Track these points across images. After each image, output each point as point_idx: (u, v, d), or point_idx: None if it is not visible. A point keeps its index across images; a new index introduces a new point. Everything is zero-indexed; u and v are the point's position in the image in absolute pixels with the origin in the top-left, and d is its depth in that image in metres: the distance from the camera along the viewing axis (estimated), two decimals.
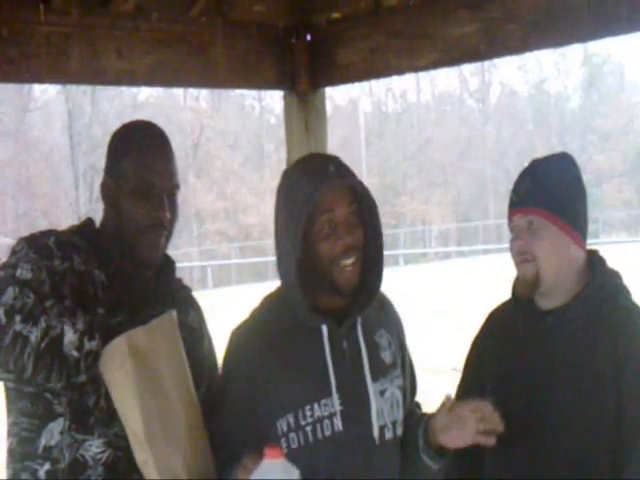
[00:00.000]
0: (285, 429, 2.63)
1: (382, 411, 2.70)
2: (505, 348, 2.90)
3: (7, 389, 2.67)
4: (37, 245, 2.64)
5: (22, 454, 2.66)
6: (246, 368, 2.67)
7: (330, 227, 2.61)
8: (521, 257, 2.79)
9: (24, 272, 2.54)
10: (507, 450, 2.76)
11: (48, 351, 2.44)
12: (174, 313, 2.66)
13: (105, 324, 2.55)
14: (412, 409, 2.88)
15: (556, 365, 2.76)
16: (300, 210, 2.58)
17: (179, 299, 2.86)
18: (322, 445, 2.62)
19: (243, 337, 2.73)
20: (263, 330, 2.71)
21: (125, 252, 2.71)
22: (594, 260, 2.86)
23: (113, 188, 2.74)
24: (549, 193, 2.78)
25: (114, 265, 2.71)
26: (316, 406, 2.62)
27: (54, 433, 2.61)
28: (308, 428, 2.62)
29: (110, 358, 2.51)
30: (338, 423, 2.63)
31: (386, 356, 2.76)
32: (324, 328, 2.64)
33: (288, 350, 2.66)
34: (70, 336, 2.47)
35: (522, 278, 2.80)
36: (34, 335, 2.43)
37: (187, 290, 2.95)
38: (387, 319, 2.84)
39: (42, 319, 2.46)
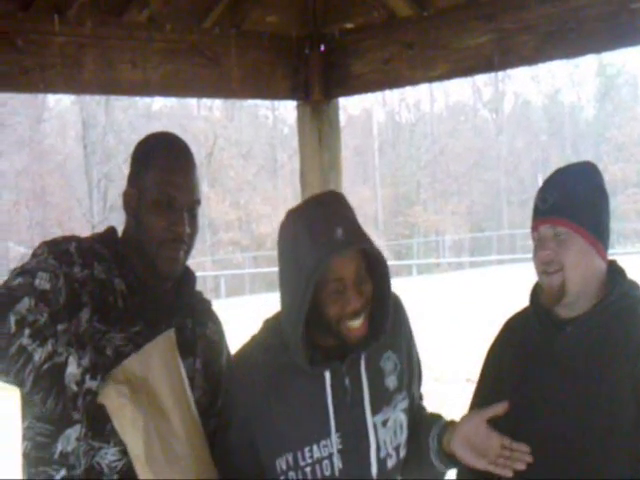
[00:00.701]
0: (284, 468, 2.61)
1: (384, 442, 2.67)
2: (522, 357, 2.88)
3: (22, 395, 2.67)
4: (58, 251, 2.64)
5: (37, 458, 2.66)
6: (247, 405, 2.64)
7: (338, 292, 2.55)
8: (547, 267, 2.77)
9: (42, 282, 2.53)
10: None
11: (48, 375, 2.44)
12: (172, 333, 2.63)
13: (109, 366, 2.53)
14: (420, 407, 2.86)
15: (574, 374, 2.75)
16: (308, 277, 2.50)
17: (198, 312, 2.86)
18: None
19: (244, 371, 2.70)
20: (264, 366, 2.66)
21: (146, 263, 2.71)
22: (614, 270, 2.85)
23: (135, 199, 2.74)
24: (576, 204, 2.77)
25: (134, 275, 2.71)
26: (315, 447, 2.60)
27: (71, 439, 2.61)
28: (307, 469, 2.60)
29: (108, 390, 2.51)
30: (337, 463, 2.61)
31: (391, 381, 2.72)
32: (327, 374, 2.61)
33: (289, 389, 2.62)
34: (73, 369, 2.46)
35: (548, 288, 2.78)
36: (38, 355, 2.42)
37: (207, 303, 2.95)
38: (394, 335, 2.76)
39: (50, 342, 2.45)
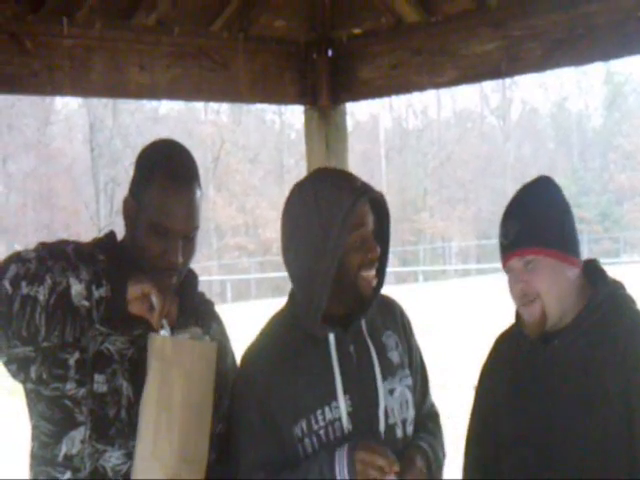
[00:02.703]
0: (300, 435, 2.69)
1: (392, 410, 2.75)
2: (514, 373, 2.88)
3: (27, 392, 2.68)
4: (53, 248, 2.65)
5: (42, 459, 2.67)
6: (260, 383, 2.72)
7: (361, 241, 2.69)
8: (524, 299, 2.77)
9: (29, 253, 2.58)
10: (522, 473, 2.77)
11: (58, 306, 2.47)
12: (215, 345, 2.66)
13: (111, 270, 2.55)
14: (419, 431, 2.87)
15: (564, 386, 2.75)
16: (341, 224, 2.64)
17: (201, 313, 2.86)
18: (334, 446, 2.66)
19: (254, 355, 2.79)
20: (273, 345, 2.78)
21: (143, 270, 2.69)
22: (592, 271, 2.84)
23: (134, 211, 2.72)
24: (539, 229, 2.75)
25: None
26: (327, 409, 2.69)
27: (75, 441, 2.61)
28: (321, 432, 2.68)
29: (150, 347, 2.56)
30: (347, 425, 2.68)
31: (394, 356, 2.82)
32: (331, 337, 2.72)
33: (298, 360, 2.72)
34: (77, 287, 2.49)
35: (530, 319, 2.78)
36: (41, 294, 2.46)
37: (210, 304, 2.95)
38: (394, 320, 2.90)
39: (47, 277, 2.48)
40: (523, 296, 2.77)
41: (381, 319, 2.86)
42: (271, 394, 2.70)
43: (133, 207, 2.72)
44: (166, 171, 2.68)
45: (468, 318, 21.17)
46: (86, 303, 2.49)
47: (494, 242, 46.64)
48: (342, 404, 2.69)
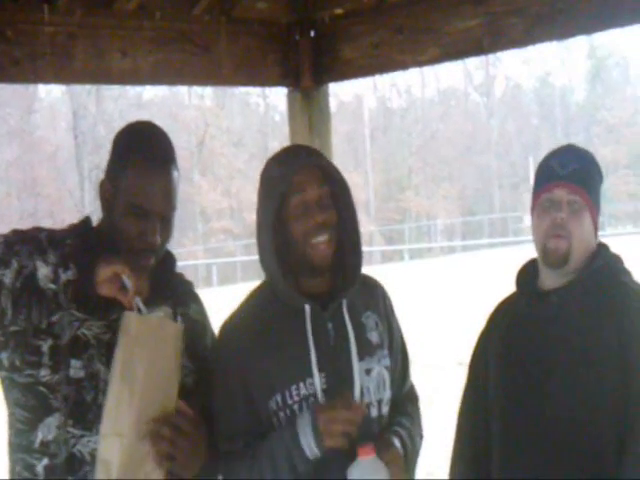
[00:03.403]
0: (275, 408, 2.70)
1: (368, 389, 2.75)
2: (508, 333, 2.93)
3: (1, 379, 2.67)
4: (25, 234, 2.64)
5: (19, 446, 2.66)
6: (237, 357, 2.73)
7: (303, 207, 2.72)
8: (558, 230, 2.81)
9: None
10: (514, 429, 2.83)
11: (24, 289, 2.48)
12: (181, 327, 2.66)
13: (78, 253, 2.55)
14: (397, 413, 2.87)
15: (561, 342, 2.79)
16: (274, 191, 2.73)
17: (180, 293, 2.85)
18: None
19: (233, 327, 2.81)
20: (250, 319, 2.79)
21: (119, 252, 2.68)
22: (599, 245, 2.92)
23: (110, 193, 2.71)
24: (592, 182, 2.86)
25: None
26: (302, 385, 2.69)
27: (51, 428, 2.61)
28: (295, 407, 2.69)
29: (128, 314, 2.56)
30: (322, 401, 2.68)
31: (373, 336, 2.82)
32: (307, 308, 2.73)
33: (274, 334, 2.73)
34: (43, 270, 2.50)
35: (555, 250, 2.81)
36: (7, 277, 2.48)
37: (188, 285, 2.94)
38: (375, 301, 2.90)
39: (13, 261, 2.50)
40: (558, 227, 2.80)
41: (362, 299, 2.85)
42: (248, 367, 2.71)
43: (110, 190, 2.71)
44: (143, 153, 2.68)
45: (454, 295, 21.22)
46: (53, 286, 2.50)
47: (478, 218, 47.02)
48: (317, 380, 2.69)
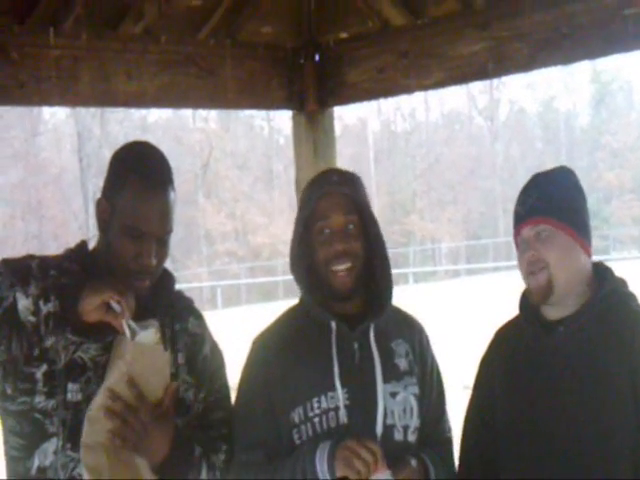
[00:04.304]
0: (297, 421, 2.74)
1: (392, 412, 2.78)
2: (514, 364, 2.90)
3: None
4: (15, 264, 2.63)
5: (15, 473, 2.65)
6: (261, 369, 2.81)
7: (325, 234, 2.78)
8: (533, 266, 2.79)
9: None
10: (522, 464, 2.79)
11: (4, 321, 2.48)
12: (167, 355, 2.65)
13: (59, 285, 2.54)
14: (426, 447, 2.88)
15: (570, 373, 2.76)
16: (301, 214, 2.84)
17: (178, 309, 2.84)
18: (328, 436, 2.70)
19: (259, 342, 2.88)
20: (279, 333, 2.87)
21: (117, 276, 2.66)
22: (601, 269, 2.88)
23: (107, 214, 2.70)
24: (556, 202, 2.81)
25: None
26: (323, 398, 2.73)
27: (48, 453, 2.60)
28: (316, 419, 2.73)
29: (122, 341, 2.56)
30: (343, 417, 2.73)
31: (401, 362, 2.85)
32: (332, 324, 2.78)
33: (301, 348, 2.80)
34: (23, 302, 2.50)
35: (536, 286, 2.80)
36: None
37: (187, 300, 2.92)
38: (409, 332, 2.94)
39: None
40: (531, 264, 2.79)
41: (396, 328, 2.91)
42: (272, 379, 2.77)
43: (107, 210, 2.70)
44: (140, 174, 2.67)
45: (459, 319, 21.17)
46: (32, 319, 2.50)
47: (483, 242, 46.97)
48: (339, 395, 2.73)
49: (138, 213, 2.64)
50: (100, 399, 2.52)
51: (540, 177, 2.91)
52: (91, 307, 2.50)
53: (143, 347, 2.56)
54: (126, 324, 2.53)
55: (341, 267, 2.76)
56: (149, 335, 2.58)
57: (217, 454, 2.76)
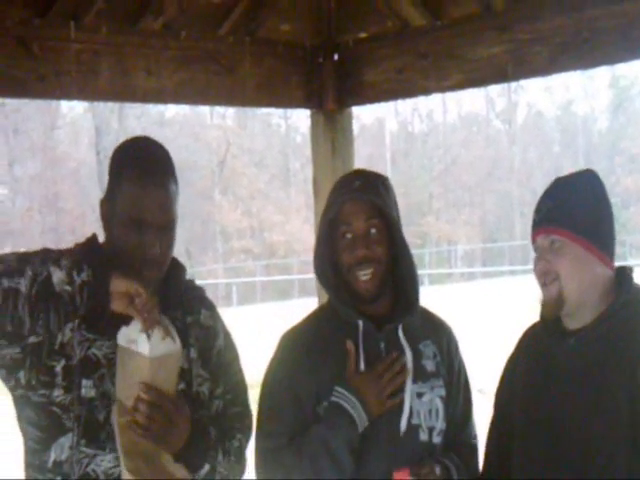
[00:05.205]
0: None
1: (418, 412, 2.81)
2: (532, 368, 2.90)
3: (16, 398, 2.67)
4: (34, 252, 2.64)
5: (32, 465, 2.67)
6: (288, 364, 2.86)
7: (348, 239, 2.80)
8: (545, 278, 2.77)
9: (9, 255, 2.60)
10: (532, 466, 2.79)
11: (41, 295, 2.50)
12: (179, 349, 2.65)
13: (90, 256, 2.57)
14: (449, 452, 2.90)
15: (577, 385, 2.75)
16: (325, 217, 2.85)
17: (188, 300, 2.84)
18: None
19: (288, 338, 2.93)
20: (308, 331, 2.92)
21: (127, 269, 2.66)
22: (621, 278, 2.82)
23: (109, 210, 2.71)
24: (570, 212, 2.76)
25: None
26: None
27: (64, 448, 2.61)
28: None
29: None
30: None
31: (428, 364, 2.88)
32: (360, 323, 2.81)
33: (329, 345, 2.83)
34: (58, 274, 2.51)
35: (547, 299, 2.78)
36: (23, 285, 2.49)
37: (199, 290, 2.92)
38: (438, 337, 2.97)
39: (27, 269, 2.51)
40: (543, 275, 2.77)
41: (423, 329, 2.94)
42: (301, 373, 2.80)
43: (108, 207, 2.72)
44: (135, 166, 2.68)
45: (474, 322, 21.14)
46: (68, 288, 2.51)
47: (500, 245, 46.89)
48: None
49: (136, 203, 2.64)
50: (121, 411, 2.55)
51: (560, 182, 2.86)
52: (117, 291, 2.51)
53: (160, 360, 2.57)
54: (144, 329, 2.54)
55: (362, 272, 2.79)
56: (157, 339, 2.56)
57: (231, 441, 2.77)
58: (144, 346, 2.53)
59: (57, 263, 2.54)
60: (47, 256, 2.58)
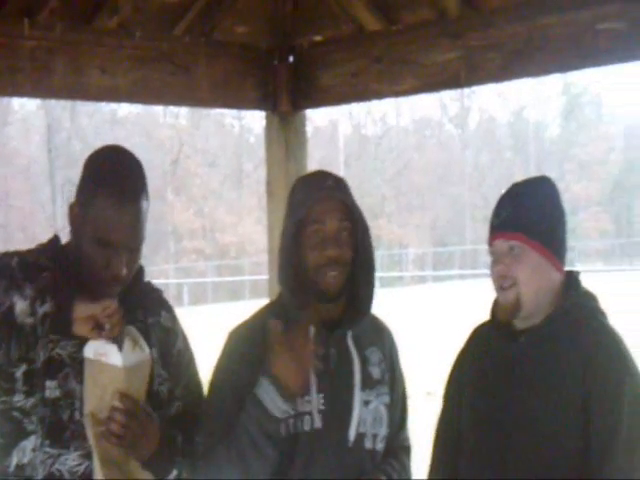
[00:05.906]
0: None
1: (365, 420, 2.79)
2: (482, 367, 2.92)
3: None
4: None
5: None
6: (235, 364, 2.78)
7: (318, 238, 2.74)
8: (502, 282, 2.80)
9: None
10: (481, 465, 2.83)
11: (3, 325, 2.48)
12: (149, 358, 2.67)
13: (54, 286, 2.55)
14: (389, 458, 2.90)
15: (527, 384, 2.78)
16: (294, 215, 2.76)
17: (149, 301, 2.85)
18: (301, 439, 2.71)
19: (235, 337, 2.85)
20: (254, 326, 2.83)
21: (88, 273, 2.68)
22: (569, 281, 2.87)
23: (80, 218, 2.68)
24: (530, 218, 2.79)
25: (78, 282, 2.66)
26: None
27: (26, 451, 2.61)
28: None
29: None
30: (317, 421, 2.72)
31: (374, 371, 2.85)
32: (311, 329, 2.72)
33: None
34: (21, 305, 2.50)
35: (504, 303, 2.81)
36: None
37: (158, 292, 2.93)
38: (382, 342, 2.94)
39: None
40: (501, 278, 2.79)
41: (369, 335, 2.89)
42: (244, 368, 2.74)
43: (79, 215, 2.68)
44: (112, 186, 2.64)
45: (424, 325, 21.24)
46: (30, 320, 2.50)
47: (450, 249, 47.10)
48: (314, 399, 2.72)
49: (109, 225, 2.62)
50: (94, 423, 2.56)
51: (517, 188, 2.88)
52: (79, 317, 2.51)
53: (133, 369, 2.58)
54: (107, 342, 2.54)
55: (331, 273, 2.73)
56: (128, 349, 2.58)
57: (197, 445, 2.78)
58: (116, 357, 2.54)
59: (20, 292, 2.51)
60: (11, 281, 2.55)
